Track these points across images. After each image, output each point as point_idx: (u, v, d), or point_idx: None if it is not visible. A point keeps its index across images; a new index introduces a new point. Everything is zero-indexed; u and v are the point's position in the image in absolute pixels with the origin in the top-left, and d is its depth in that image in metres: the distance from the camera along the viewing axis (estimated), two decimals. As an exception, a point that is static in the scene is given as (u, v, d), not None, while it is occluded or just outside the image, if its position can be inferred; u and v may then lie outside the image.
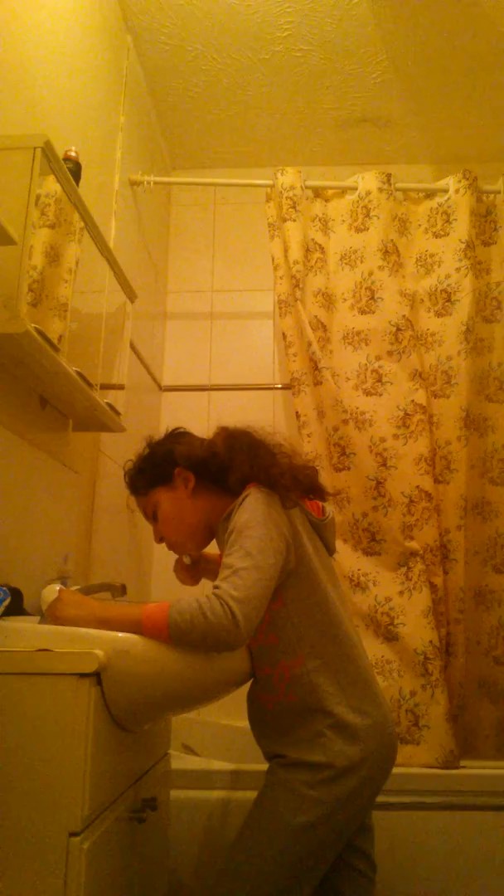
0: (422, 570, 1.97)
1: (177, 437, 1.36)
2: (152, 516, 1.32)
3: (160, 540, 1.33)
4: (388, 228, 2.25)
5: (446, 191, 2.30)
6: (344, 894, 1.19)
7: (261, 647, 1.19)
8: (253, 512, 1.14)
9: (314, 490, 1.28)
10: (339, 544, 1.81)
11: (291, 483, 1.21)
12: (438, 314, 2.22)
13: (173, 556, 1.40)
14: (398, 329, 2.15)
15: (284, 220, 2.26)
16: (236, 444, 1.26)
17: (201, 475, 1.27)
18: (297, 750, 1.12)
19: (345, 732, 1.11)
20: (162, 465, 1.29)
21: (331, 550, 1.31)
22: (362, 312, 2.20)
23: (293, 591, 1.17)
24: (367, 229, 2.25)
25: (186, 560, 1.37)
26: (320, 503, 1.31)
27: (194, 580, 1.39)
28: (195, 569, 1.39)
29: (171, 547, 1.35)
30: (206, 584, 1.30)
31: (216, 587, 1.05)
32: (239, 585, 1.04)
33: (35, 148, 1.21)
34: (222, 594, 1.02)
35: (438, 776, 1.74)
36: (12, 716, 0.89)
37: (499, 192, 2.32)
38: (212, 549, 1.34)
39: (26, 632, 0.97)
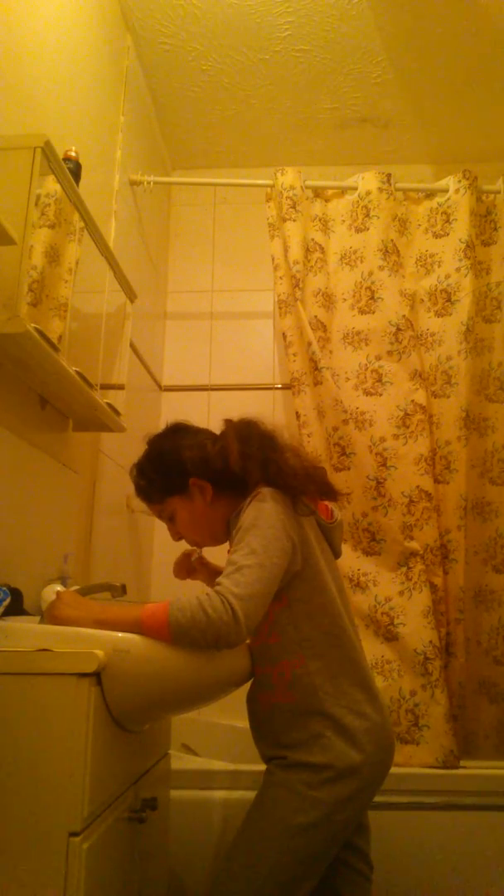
0: (422, 570, 1.97)
1: (181, 437, 1.31)
2: (168, 519, 1.31)
3: (178, 538, 1.33)
4: (388, 228, 2.25)
5: (446, 191, 2.30)
6: (342, 893, 1.19)
7: (262, 645, 1.19)
8: (261, 510, 1.14)
9: (327, 492, 1.27)
10: (339, 544, 1.81)
11: (305, 487, 1.20)
12: (438, 314, 2.22)
13: (173, 558, 1.41)
14: (398, 329, 2.15)
15: (284, 220, 2.26)
16: (248, 450, 1.22)
17: (216, 482, 1.25)
18: (297, 751, 1.12)
19: (344, 734, 1.11)
20: (175, 476, 1.26)
21: (337, 553, 1.30)
22: (362, 312, 2.20)
23: (298, 593, 1.17)
24: (367, 229, 2.25)
25: (196, 554, 1.37)
26: (329, 506, 1.30)
27: (187, 575, 1.38)
28: (192, 565, 1.38)
29: (191, 544, 1.35)
30: (204, 586, 1.30)
31: (218, 583, 1.05)
32: (241, 582, 1.04)
33: (35, 148, 1.21)
34: (223, 591, 1.02)
35: (438, 776, 1.74)
36: (12, 716, 0.89)
37: (499, 192, 2.32)
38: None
39: (26, 632, 0.97)
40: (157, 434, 1.34)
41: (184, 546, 1.37)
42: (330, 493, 1.27)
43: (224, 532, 1.29)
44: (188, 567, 1.38)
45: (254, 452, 1.21)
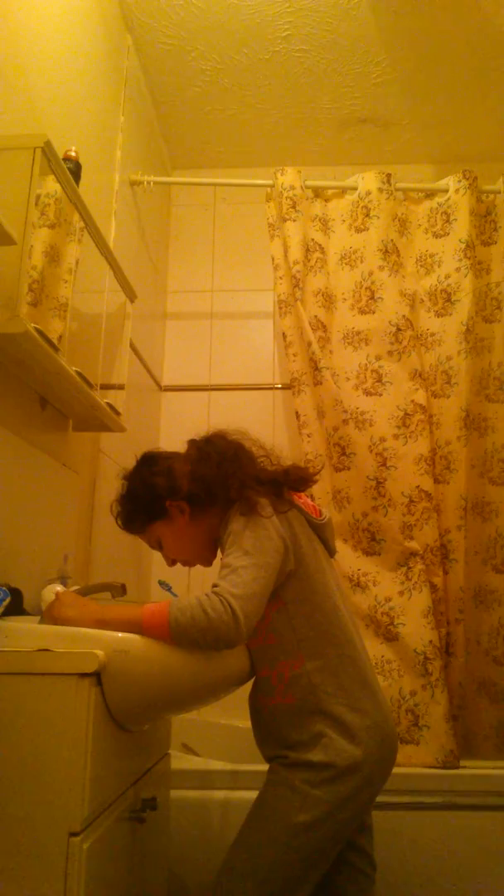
0: (422, 570, 1.97)
1: (151, 466, 1.30)
2: (157, 546, 1.32)
3: (172, 563, 1.34)
4: (388, 228, 2.25)
5: (446, 191, 2.30)
6: (345, 892, 1.20)
7: (260, 647, 1.19)
8: (250, 514, 1.14)
9: (297, 484, 1.26)
10: (339, 544, 1.81)
11: (271, 491, 1.20)
12: (438, 314, 2.22)
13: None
14: (398, 329, 2.15)
15: (284, 220, 2.26)
16: (203, 470, 1.23)
17: (192, 501, 1.25)
18: (299, 750, 1.12)
19: (346, 732, 1.11)
20: (152, 503, 1.27)
21: (331, 551, 1.31)
22: (362, 312, 2.20)
23: (293, 593, 1.17)
24: (367, 229, 2.25)
25: None
26: (317, 506, 1.30)
27: None
28: None
29: (184, 564, 1.35)
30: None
31: (215, 585, 1.05)
32: (238, 583, 1.04)
33: (35, 148, 1.21)
34: (222, 591, 1.03)
35: (438, 776, 1.74)
36: (12, 716, 0.89)
37: (499, 192, 2.32)
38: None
39: (26, 632, 0.97)
40: (129, 470, 1.34)
41: (180, 570, 1.36)
42: (301, 482, 1.26)
43: (212, 548, 1.31)
44: None
45: (210, 471, 1.22)
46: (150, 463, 1.31)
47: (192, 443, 1.32)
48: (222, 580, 1.06)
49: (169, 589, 1.37)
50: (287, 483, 1.24)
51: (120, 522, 1.32)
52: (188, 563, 1.34)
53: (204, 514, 1.25)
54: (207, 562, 1.34)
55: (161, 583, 1.36)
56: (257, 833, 1.10)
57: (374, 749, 1.12)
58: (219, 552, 1.31)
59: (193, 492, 1.23)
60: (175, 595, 1.36)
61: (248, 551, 1.09)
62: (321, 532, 1.27)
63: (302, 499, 1.28)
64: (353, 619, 1.25)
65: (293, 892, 1.07)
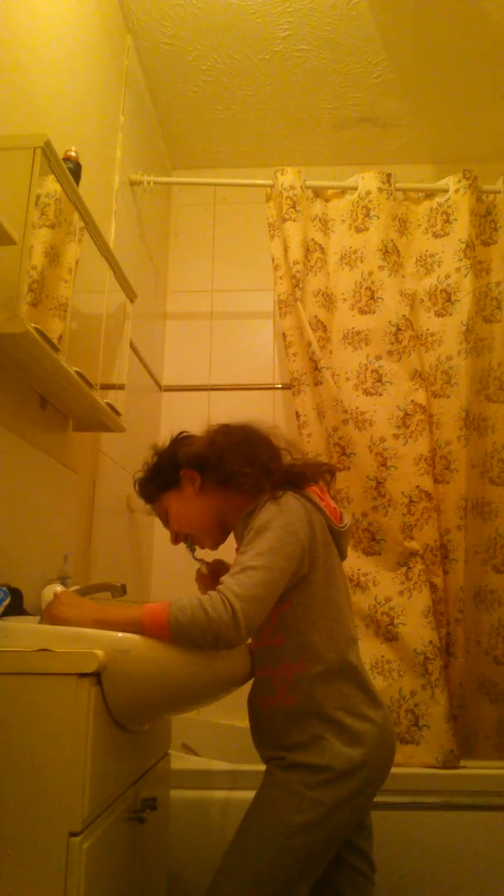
0: (422, 570, 1.97)
1: (180, 440, 1.35)
2: (165, 519, 1.32)
3: (177, 541, 1.34)
4: (388, 228, 2.25)
5: (446, 191, 2.30)
6: (344, 894, 1.19)
7: (264, 648, 1.19)
8: (275, 514, 1.14)
9: (313, 477, 1.27)
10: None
11: (283, 480, 1.21)
12: (438, 314, 2.22)
13: (173, 558, 1.40)
14: (398, 329, 2.15)
15: (284, 220, 2.26)
16: (228, 443, 1.26)
17: (206, 473, 1.27)
18: (296, 752, 1.12)
19: (344, 735, 1.11)
20: (168, 471, 1.30)
21: (343, 556, 1.30)
22: (362, 312, 2.20)
23: (302, 596, 1.17)
24: (367, 229, 2.25)
25: (203, 570, 1.36)
26: (339, 510, 1.30)
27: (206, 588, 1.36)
28: (214, 579, 1.37)
29: (187, 540, 1.35)
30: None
31: (221, 583, 1.05)
32: (244, 583, 1.04)
33: (35, 148, 1.21)
34: (225, 590, 1.03)
35: (438, 776, 1.74)
36: (12, 716, 0.89)
37: (499, 192, 2.32)
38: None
39: (26, 632, 0.97)
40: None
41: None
42: (301, 478, 1.25)
43: (219, 531, 1.31)
44: (205, 582, 1.35)
45: (227, 443, 1.25)
46: (183, 438, 1.36)
47: (222, 425, 1.33)
48: (230, 577, 1.06)
49: (193, 550, 1.37)
50: (288, 478, 1.23)
51: (136, 488, 1.35)
52: (192, 539, 1.33)
53: (215, 489, 1.26)
54: (213, 545, 1.33)
55: (188, 546, 1.36)
56: (253, 834, 1.10)
57: (373, 753, 1.11)
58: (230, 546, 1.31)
59: (206, 456, 1.25)
60: (198, 560, 1.36)
61: (263, 552, 1.08)
62: (338, 538, 1.26)
63: (325, 500, 1.26)
64: (353, 623, 1.25)
65: (289, 893, 1.07)
